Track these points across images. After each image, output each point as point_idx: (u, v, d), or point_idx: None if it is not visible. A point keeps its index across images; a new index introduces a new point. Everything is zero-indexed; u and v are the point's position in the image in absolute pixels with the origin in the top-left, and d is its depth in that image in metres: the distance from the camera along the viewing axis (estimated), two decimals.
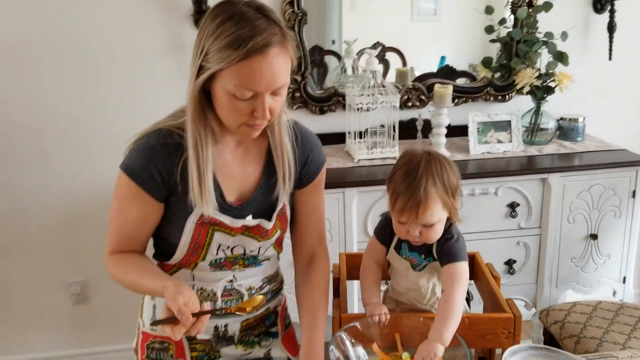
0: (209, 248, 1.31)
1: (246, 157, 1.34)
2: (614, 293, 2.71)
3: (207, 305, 1.16)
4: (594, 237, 2.57)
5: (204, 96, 1.22)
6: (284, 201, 1.40)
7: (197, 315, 1.12)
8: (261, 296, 1.41)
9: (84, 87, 2.55)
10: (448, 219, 1.43)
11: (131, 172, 1.25)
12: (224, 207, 1.30)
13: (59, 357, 2.88)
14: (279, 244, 1.46)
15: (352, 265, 1.79)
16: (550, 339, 2.39)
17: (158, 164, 1.24)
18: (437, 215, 1.35)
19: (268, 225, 1.35)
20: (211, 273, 1.36)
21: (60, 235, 2.72)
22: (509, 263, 2.58)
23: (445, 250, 1.41)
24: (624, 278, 2.68)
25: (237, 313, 1.32)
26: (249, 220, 1.33)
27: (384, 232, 1.51)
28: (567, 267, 2.61)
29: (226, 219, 1.29)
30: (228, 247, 1.35)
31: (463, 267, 1.40)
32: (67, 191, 2.66)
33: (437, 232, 1.41)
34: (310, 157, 1.40)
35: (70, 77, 2.52)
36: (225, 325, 1.41)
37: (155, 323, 1.17)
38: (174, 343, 1.40)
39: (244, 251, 1.37)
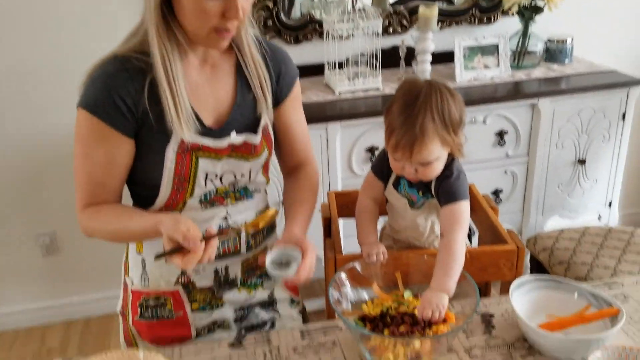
0: (196, 179, 1.20)
1: (215, 75, 1.23)
2: (600, 217, 2.72)
3: (213, 229, 1.07)
4: (581, 162, 2.54)
5: (166, 6, 1.08)
6: (266, 120, 1.29)
7: (205, 240, 1.05)
8: (273, 209, 1.28)
9: (31, 25, 2.32)
10: (450, 154, 1.33)
11: (92, 108, 1.11)
12: (202, 131, 1.19)
13: (32, 310, 2.80)
14: (266, 170, 1.35)
15: (342, 204, 1.70)
16: (537, 267, 2.38)
17: (121, 92, 1.10)
18: (434, 154, 1.25)
19: (255, 139, 1.24)
20: (202, 212, 1.25)
21: (25, 188, 2.57)
22: (496, 193, 2.53)
23: (444, 189, 1.33)
24: (610, 202, 2.68)
25: (249, 231, 1.23)
26: (235, 138, 1.22)
27: (382, 167, 1.42)
28: (554, 193, 2.59)
29: (209, 142, 1.19)
30: (216, 176, 1.22)
31: (463, 207, 1.30)
32: (27, 141, 2.48)
33: (435, 170, 1.31)
34: (283, 69, 1.31)
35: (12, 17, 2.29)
36: (226, 268, 1.31)
37: (160, 256, 1.06)
38: (171, 297, 1.30)
39: (235, 177, 1.26)
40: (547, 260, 2.29)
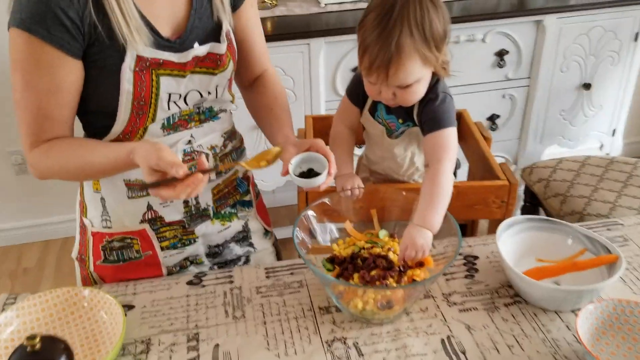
0: (158, 101, 1.06)
1: None
2: (601, 147, 2.58)
3: (205, 162, 0.98)
4: (587, 86, 2.36)
5: None
6: (227, 26, 1.13)
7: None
8: (278, 148, 1.09)
9: None
10: (434, 74, 1.17)
11: (28, 25, 0.94)
12: (160, 43, 1.04)
13: (8, 229, 2.72)
14: (231, 86, 1.21)
15: (320, 130, 1.55)
16: (531, 198, 2.27)
17: (61, 3, 0.94)
18: (414, 75, 1.10)
19: (220, 48, 1.11)
20: (164, 138, 1.11)
21: None
22: (492, 119, 2.38)
23: (428, 115, 1.17)
24: (614, 130, 2.53)
25: (250, 167, 1.06)
26: (198, 49, 1.08)
27: (357, 90, 1.26)
28: (555, 120, 2.43)
29: (171, 56, 1.05)
30: (180, 97, 1.09)
31: (450, 135, 1.16)
32: None
33: (416, 94, 1.15)
34: None
35: None
36: (196, 198, 1.19)
37: (152, 185, 0.93)
38: (138, 236, 1.18)
39: (200, 96, 1.11)
40: (542, 192, 2.17)
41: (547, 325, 1.05)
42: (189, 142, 1.14)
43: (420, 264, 1.09)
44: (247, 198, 1.29)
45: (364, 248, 1.13)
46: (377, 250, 1.11)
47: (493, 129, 2.38)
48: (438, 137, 1.16)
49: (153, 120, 1.08)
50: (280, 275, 1.19)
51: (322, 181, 1.06)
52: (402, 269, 1.07)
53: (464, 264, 1.20)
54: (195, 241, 1.23)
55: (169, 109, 1.08)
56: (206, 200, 1.21)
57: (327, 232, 1.20)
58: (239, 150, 1.29)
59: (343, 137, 1.30)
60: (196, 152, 1.15)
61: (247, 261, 1.33)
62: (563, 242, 1.18)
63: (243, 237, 1.29)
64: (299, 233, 1.10)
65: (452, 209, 1.14)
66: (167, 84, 1.06)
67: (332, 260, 1.11)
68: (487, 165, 1.36)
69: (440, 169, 1.13)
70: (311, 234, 1.16)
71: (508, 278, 1.14)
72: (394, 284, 1.04)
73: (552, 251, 1.17)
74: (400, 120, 1.24)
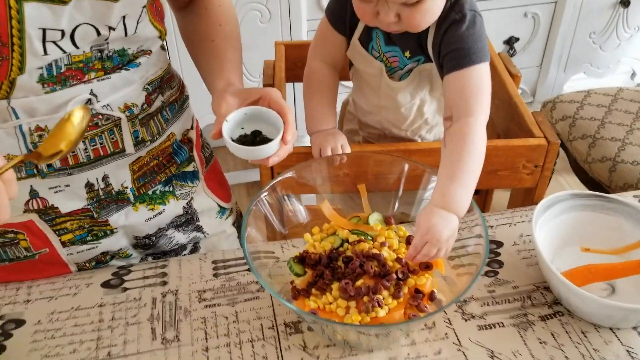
0: (25, 41, 0.70)
1: None
2: (633, 75, 2.22)
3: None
4: (625, 4, 1.97)
5: None
6: None
7: None
8: (81, 111, 0.70)
9: None
10: None
11: None
12: None
13: None
14: (158, 14, 0.83)
15: (296, 61, 1.19)
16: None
17: None
18: None
19: None
20: (47, 96, 0.76)
21: None
22: (510, 42, 2.01)
23: (451, 44, 0.82)
24: None
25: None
26: None
27: (342, 11, 0.89)
28: (583, 44, 2.07)
29: None
30: (64, 35, 0.72)
31: (483, 74, 0.83)
32: None
33: (430, 13, 0.81)
34: None
35: None
36: (105, 178, 0.85)
37: None
38: (25, 230, 0.86)
39: (97, 33, 0.74)
40: (566, 133, 1.84)
41: (601, 351, 0.76)
42: (89, 101, 0.78)
43: (427, 266, 0.78)
44: (189, 168, 0.96)
45: (347, 241, 0.82)
46: (366, 245, 0.79)
47: (511, 55, 2.01)
48: (466, 78, 0.82)
49: (21, 70, 0.71)
50: (234, 271, 0.88)
51: (272, 151, 0.75)
52: (400, 275, 0.75)
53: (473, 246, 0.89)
54: (113, 232, 0.90)
55: (45, 53, 0.71)
56: (121, 180, 0.87)
57: (296, 214, 0.88)
58: (177, 104, 0.93)
59: (321, 78, 0.96)
60: (102, 117, 0.80)
61: (194, 250, 1.01)
62: (618, 226, 0.87)
63: (187, 220, 0.97)
64: (253, 225, 0.77)
65: None
66: (37, 15, 0.68)
67: (302, 260, 0.79)
68: (517, 116, 1.02)
69: (469, 125, 0.79)
70: (267, 222, 0.84)
71: (546, 279, 0.83)
72: (390, 301, 0.73)
73: (602, 237, 0.88)
74: (407, 54, 0.89)
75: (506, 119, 1.08)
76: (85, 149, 0.80)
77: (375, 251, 0.78)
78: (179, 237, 0.97)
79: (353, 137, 1.09)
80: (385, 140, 1.05)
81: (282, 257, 0.89)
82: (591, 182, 1.72)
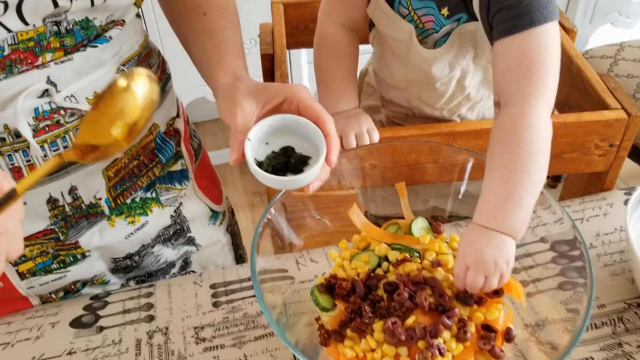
0: None
1: None
2: None
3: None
4: None
5: None
6: None
7: None
8: (145, 71, 0.53)
9: None
10: None
11: None
12: None
13: None
14: None
15: (298, 24, 0.98)
16: None
17: None
18: None
19: None
20: None
21: None
22: None
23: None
24: None
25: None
26: None
27: None
28: None
29: None
30: (6, 7, 0.51)
31: (548, 38, 0.62)
32: None
33: None
34: None
35: None
36: (73, 191, 0.65)
37: None
38: None
39: (55, 4, 0.54)
40: None
41: None
42: (45, 92, 0.58)
43: (497, 292, 0.59)
44: (176, 167, 0.76)
45: (386, 259, 0.63)
46: (414, 267, 0.60)
47: None
48: (525, 46, 0.62)
49: None
50: (239, 297, 0.70)
51: (313, 177, 0.57)
52: (463, 299, 0.57)
53: (552, 259, 0.70)
54: (84, 256, 0.71)
55: None
56: (93, 190, 0.67)
57: (311, 220, 0.69)
58: (159, 84, 0.72)
59: (338, 45, 0.76)
60: (65, 112, 0.60)
61: (185, 266, 0.82)
62: None
63: (176, 232, 0.77)
64: (260, 259, 0.59)
65: None
66: None
67: (330, 289, 0.60)
68: (580, 82, 0.82)
69: (527, 115, 0.60)
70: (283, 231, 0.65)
71: None
72: (453, 345, 0.55)
73: None
74: (444, 11, 0.69)
75: (565, 87, 0.88)
76: (45, 155, 0.60)
77: (426, 274, 0.59)
78: (168, 253, 0.78)
79: (374, 115, 0.89)
80: (414, 120, 0.86)
81: (299, 276, 0.70)
82: (634, 151, 1.53)
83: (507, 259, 0.57)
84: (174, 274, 0.82)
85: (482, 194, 0.59)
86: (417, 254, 0.63)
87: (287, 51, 1.02)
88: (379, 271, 0.62)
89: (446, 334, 0.55)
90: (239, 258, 0.90)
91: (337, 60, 0.75)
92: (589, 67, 0.83)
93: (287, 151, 0.58)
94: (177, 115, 0.76)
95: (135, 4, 0.63)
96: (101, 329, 0.67)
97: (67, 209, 0.65)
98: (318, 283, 0.61)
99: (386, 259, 0.63)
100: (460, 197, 0.74)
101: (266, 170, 0.56)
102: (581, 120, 0.75)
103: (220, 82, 0.61)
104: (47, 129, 0.59)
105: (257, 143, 0.58)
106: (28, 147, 0.59)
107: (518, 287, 0.61)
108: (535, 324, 0.65)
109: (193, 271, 0.83)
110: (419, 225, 0.66)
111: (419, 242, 0.63)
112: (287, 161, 0.57)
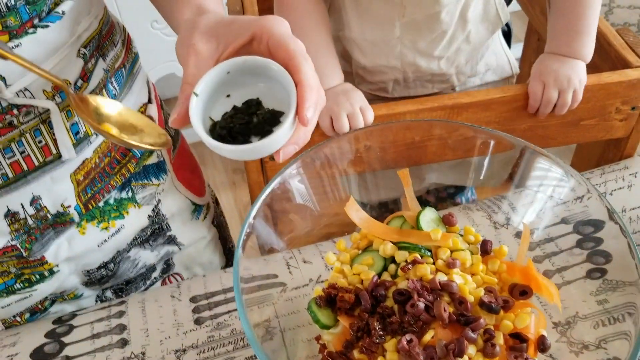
0: None
1: None
2: None
3: None
4: None
5: None
6: None
7: None
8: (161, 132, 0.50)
9: None
10: None
11: None
12: None
13: None
14: None
15: None
16: None
17: None
18: None
19: None
20: None
21: None
22: None
23: None
24: None
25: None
26: None
27: None
28: None
29: None
30: None
31: None
32: None
33: None
34: None
35: None
36: (35, 201, 0.55)
37: None
38: None
39: None
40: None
41: None
42: None
43: (524, 292, 0.51)
44: (152, 160, 0.65)
45: (393, 261, 0.54)
46: (427, 269, 0.52)
47: None
48: None
49: None
50: (225, 311, 0.62)
51: (283, 142, 0.45)
52: (491, 305, 0.49)
53: (577, 242, 0.63)
54: (52, 273, 0.61)
55: None
56: (61, 197, 0.57)
57: (297, 215, 0.61)
58: (126, 68, 0.62)
59: (308, 13, 0.67)
60: (19, 111, 0.50)
61: (167, 269, 0.73)
62: None
63: (154, 232, 0.67)
64: (245, 262, 0.50)
65: (538, 130, 0.57)
66: None
67: (331, 302, 0.52)
68: (597, 39, 0.73)
69: None
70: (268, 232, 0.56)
71: None
72: None
73: None
74: None
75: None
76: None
77: (442, 277, 0.51)
78: (146, 256, 0.68)
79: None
80: (402, 89, 0.77)
81: (291, 282, 0.62)
82: None
83: (580, 77, 0.67)
84: (155, 278, 0.73)
85: (552, 26, 0.71)
86: (429, 253, 0.55)
87: None
88: (386, 276, 0.54)
89: (471, 349, 0.47)
90: (228, 252, 0.81)
91: (309, 30, 0.66)
92: (604, 21, 0.74)
93: (251, 106, 0.46)
94: (149, 101, 0.66)
95: None
96: (67, 359, 0.58)
97: (30, 221, 0.56)
98: (316, 295, 0.53)
99: (393, 260, 0.55)
100: (471, 174, 0.65)
101: (220, 136, 0.44)
102: (601, 82, 0.67)
103: (183, 18, 0.49)
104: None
105: (212, 97, 0.46)
106: None
107: (550, 286, 0.53)
108: (565, 322, 0.57)
109: (177, 273, 0.74)
110: (428, 217, 0.57)
111: (430, 238, 0.54)
112: (250, 120, 0.45)
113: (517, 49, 1.22)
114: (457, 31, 0.73)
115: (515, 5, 1.02)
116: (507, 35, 1.02)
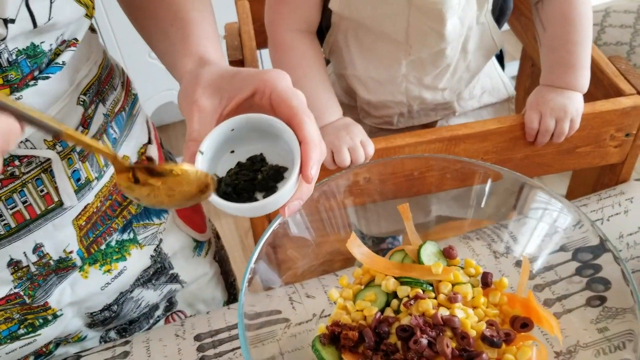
0: None
1: None
2: None
3: None
4: None
5: None
6: None
7: None
8: (192, 169, 0.44)
9: None
10: None
11: None
12: None
13: None
14: None
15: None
16: None
17: None
18: None
19: None
20: None
21: None
22: None
23: None
24: None
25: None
26: None
27: None
28: None
29: None
30: None
31: None
32: None
33: None
34: None
35: None
36: (38, 249, 0.56)
37: None
38: None
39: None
40: None
41: None
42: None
43: (525, 324, 0.52)
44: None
45: (395, 296, 0.55)
46: (429, 304, 0.52)
47: None
48: None
49: None
50: (229, 349, 0.62)
51: (287, 198, 0.45)
52: (493, 339, 0.50)
53: (577, 270, 0.64)
54: (56, 317, 0.62)
55: None
56: (63, 244, 0.58)
57: (298, 254, 0.62)
58: (126, 111, 0.63)
59: (304, 54, 0.69)
60: (21, 162, 0.52)
61: (170, 307, 0.73)
62: None
63: (157, 271, 0.68)
64: (249, 297, 0.51)
65: (535, 159, 0.58)
66: None
67: (335, 339, 0.53)
68: (590, 67, 0.74)
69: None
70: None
71: None
72: None
73: None
74: None
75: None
76: (1, 215, 0.51)
77: (444, 312, 0.52)
78: (149, 296, 0.69)
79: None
80: (407, 120, 0.78)
81: (295, 317, 0.62)
82: None
83: (577, 107, 0.68)
84: (158, 317, 0.73)
85: (544, 66, 0.72)
86: (430, 287, 0.56)
87: (259, 51, 0.93)
88: (389, 311, 0.55)
89: None
90: (230, 286, 0.82)
91: (306, 70, 0.67)
92: (597, 49, 0.76)
93: (255, 162, 0.47)
94: (149, 141, 0.67)
95: (87, 15, 0.53)
96: None
97: (33, 268, 0.56)
98: (319, 333, 0.53)
99: (395, 295, 0.56)
100: (471, 203, 0.67)
101: (225, 192, 0.45)
102: (595, 110, 0.68)
103: (185, 69, 0.50)
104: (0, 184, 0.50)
105: (216, 154, 0.47)
106: None
107: (550, 318, 0.54)
108: (567, 351, 0.58)
109: (180, 311, 0.75)
110: (429, 251, 0.58)
111: (431, 272, 0.56)
112: (254, 176, 0.46)
113: (513, 67, 1.24)
114: (459, 62, 0.76)
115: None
116: (500, 57, 1.04)
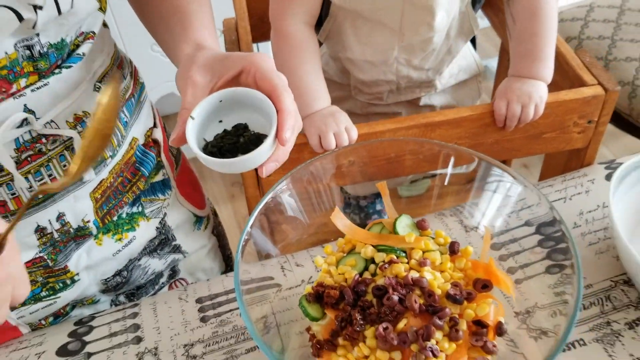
0: None
1: None
2: None
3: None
4: None
5: None
6: None
7: None
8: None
9: None
10: None
11: None
12: None
13: None
14: None
15: (262, 17, 0.97)
16: None
17: None
18: None
19: None
20: None
21: None
22: None
23: None
24: None
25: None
26: None
27: None
28: None
29: None
30: None
31: None
32: None
33: None
34: None
35: None
36: (61, 217, 0.64)
37: None
38: None
39: (19, 19, 0.51)
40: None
41: None
42: (25, 121, 0.56)
43: (485, 286, 0.60)
44: (158, 177, 0.75)
45: (373, 261, 0.63)
46: (401, 267, 0.60)
47: None
48: None
49: None
50: (227, 310, 0.70)
51: (264, 158, 0.54)
52: (456, 297, 0.58)
53: (539, 242, 0.71)
54: (74, 281, 0.70)
55: None
56: (82, 213, 0.66)
57: (289, 226, 0.69)
58: (134, 98, 0.71)
59: (302, 43, 0.76)
60: (47, 140, 0.59)
61: (173, 275, 0.81)
62: None
63: (161, 242, 0.76)
64: (245, 265, 0.58)
65: (505, 143, 0.65)
66: None
67: (319, 298, 0.60)
68: (557, 60, 0.82)
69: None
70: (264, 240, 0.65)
71: (627, 270, 0.67)
72: (446, 345, 0.55)
73: None
74: None
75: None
76: (30, 187, 0.59)
77: (414, 274, 0.60)
78: (155, 264, 0.77)
79: (339, 106, 0.90)
80: (397, 95, 0.87)
81: (286, 283, 0.70)
82: (629, 125, 1.55)
83: (541, 95, 0.76)
84: (162, 283, 0.81)
85: (513, 58, 0.80)
86: (404, 254, 0.63)
87: (255, 45, 1.01)
88: (366, 275, 0.62)
89: (438, 335, 0.56)
90: (227, 258, 0.90)
91: (304, 58, 0.75)
92: (564, 43, 0.84)
93: (239, 129, 0.56)
94: (155, 125, 0.75)
95: (100, 8, 0.60)
96: (89, 355, 0.67)
97: (56, 235, 0.64)
98: (306, 292, 0.61)
99: (373, 261, 0.63)
100: (446, 183, 0.74)
101: (211, 152, 0.54)
102: (559, 99, 0.76)
103: (183, 53, 0.59)
104: (29, 159, 0.58)
105: (206, 121, 0.56)
106: (12, 180, 0.58)
107: (507, 280, 0.61)
108: (525, 311, 0.66)
109: (182, 279, 0.83)
110: (404, 223, 0.66)
111: (405, 241, 0.63)
112: (237, 142, 0.55)
113: (493, 62, 1.32)
114: (442, 47, 0.85)
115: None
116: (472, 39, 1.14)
